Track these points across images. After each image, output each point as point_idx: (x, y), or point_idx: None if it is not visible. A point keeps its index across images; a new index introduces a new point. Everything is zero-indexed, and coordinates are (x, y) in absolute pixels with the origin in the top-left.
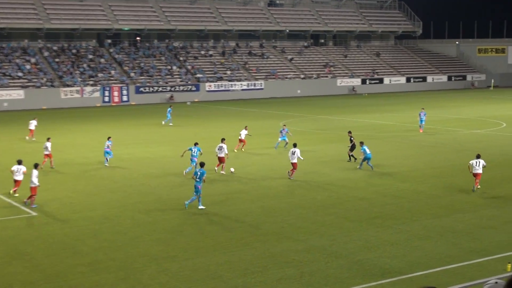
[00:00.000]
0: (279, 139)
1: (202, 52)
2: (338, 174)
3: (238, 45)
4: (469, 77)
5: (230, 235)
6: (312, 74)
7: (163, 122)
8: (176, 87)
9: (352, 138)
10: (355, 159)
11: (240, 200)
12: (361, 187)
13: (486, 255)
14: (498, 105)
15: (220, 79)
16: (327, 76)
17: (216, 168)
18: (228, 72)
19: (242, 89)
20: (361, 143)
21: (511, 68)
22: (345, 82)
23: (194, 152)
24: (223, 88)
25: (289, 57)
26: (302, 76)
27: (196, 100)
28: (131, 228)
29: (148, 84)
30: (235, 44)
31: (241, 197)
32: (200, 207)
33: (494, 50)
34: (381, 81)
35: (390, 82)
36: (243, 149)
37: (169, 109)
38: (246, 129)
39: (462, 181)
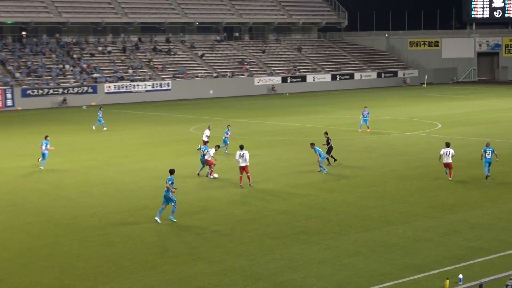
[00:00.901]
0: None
1: (99, 49)
2: (257, 185)
3: (141, 40)
4: (400, 74)
5: (134, 258)
6: (226, 72)
7: (93, 127)
8: (70, 89)
9: (329, 140)
10: (335, 159)
11: (146, 217)
12: (283, 199)
13: (422, 271)
14: (432, 104)
15: (121, 79)
16: (243, 74)
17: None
18: (130, 71)
19: (147, 90)
20: (312, 145)
21: (445, 63)
22: (263, 81)
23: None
24: (124, 90)
25: (200, 53)
26: (214, 74)
27: (94, 103)
28: (19, 253)
29: (36, 86)
30: (138, 39)
31: (147, 214)
32: (171, 218)
33: (426, 43)
34: (303, 79)
35: (313, 80)
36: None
37: (99, 111)
38: (209, 129)
39: (395, 189)
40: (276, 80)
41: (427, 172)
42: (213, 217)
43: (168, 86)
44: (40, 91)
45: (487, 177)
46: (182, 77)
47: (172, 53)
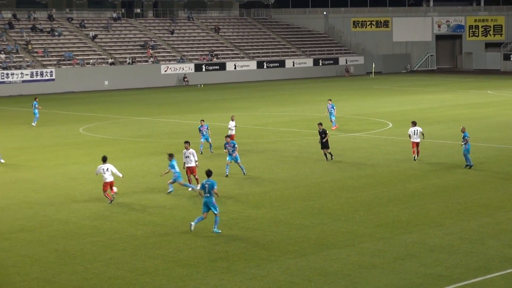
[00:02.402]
0: (201, 139)
1: None
2: (165, 198)
3: (15, 17)
4: (342, 61)
5: None
6: (125, 58)
7: (33, 123)
8: None
9: (325, 131)
10: (332, 156)
11: (23, 242)
12: (197, 217)
13: None
14: (381, 98)
15: None
16: (146, 61)
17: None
18: (2, 55)
19: (24, 81)
20: (170, 156)
21: (397, 48)
22: (172, 69)
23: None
24: None
25: (92, 33)
26: (110, 60)
27: None
28: None
29: None
30: (12, 16)
31: (24, 237)
32: (216, 230)
33: (374, 23)
34: (222, 66)
35: (234, 69)
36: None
37: (35, 102)
38: (233, 120)
39: (336, 204)
40: (188, 68)
41: (376, 182)
42: (110, 240)
43: (51, 75)
44: None
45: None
46: (69, 64)
47: (56, 33)
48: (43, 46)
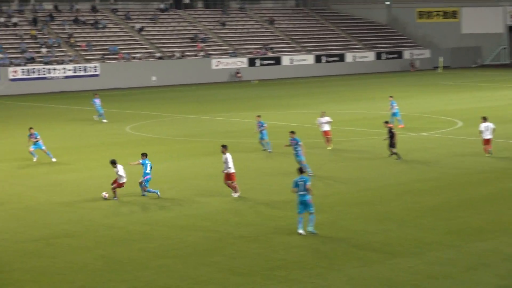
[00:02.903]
0: (264, 137)
1: (1, 20)
2: (218, 202)
3: (57, 8)
4: (406, 54)
5: None
6: (174, 52)
7: (95, 117)
8: None
9: (392, 130)
10: (398, 156)
11: (67, 248)
12: (253, 222)
13: None
14: (450, 95)
15: (32, 61)
16: (196, 55)
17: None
18: (43, 50)
19: (66, 77)
20: (144, 156)
21: (466, 40)
22: (224, 64)
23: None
24: (36, 75)
25: (138, 26)
26: (157, 54)
27: None
28: None
29: None
30: (53, 7)
31: (68, 243)
32: (312, 230)
33: (441, 13)
34: (277, 61)
35: (291, 63)
36: (329, 147)
37: (96, 99)
38: (324, 115)
39: (402, 209)
40: (241, 62)
41: (444, 186)
42: (158, 247)
43: (95, 71)
44: None
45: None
46: (114, 59)
47: (100, 26)
48: (87, 39)
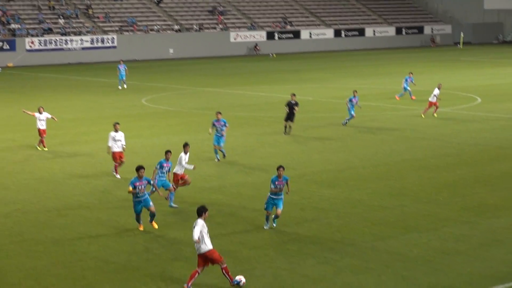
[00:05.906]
0: (351, 112)
1: None
2: (232, 175)
3: None
4: (427, 30)
5: (64, 274)
6: (192, 24)
7: (120, 87)
8: None
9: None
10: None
11: (80, 218)
12: (266, 196)
13: None
14: (470, 71)
15: (49, 32)
16: (214, 28)
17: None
18: (61, 21)
19: (83, 48)
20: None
21: (488, 16)
22: (242, 37)
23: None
24: (53, 46)
25: None
26: (176, 27)
27: (10, 64)
28: None
29: None
30: None
31: (81, 214)
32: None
33: None
34: (296, 35)
35: (310, 37)
36: (435, 114)
37: (122, 65)
38: (439, 88)
39: (417, 185)
40: (260, 36)
41: (461, 162)
42: (171, 219)
43: (113, 42)
44: None
45: None
46: (132, 30)
47: None
48: (104, 11)
